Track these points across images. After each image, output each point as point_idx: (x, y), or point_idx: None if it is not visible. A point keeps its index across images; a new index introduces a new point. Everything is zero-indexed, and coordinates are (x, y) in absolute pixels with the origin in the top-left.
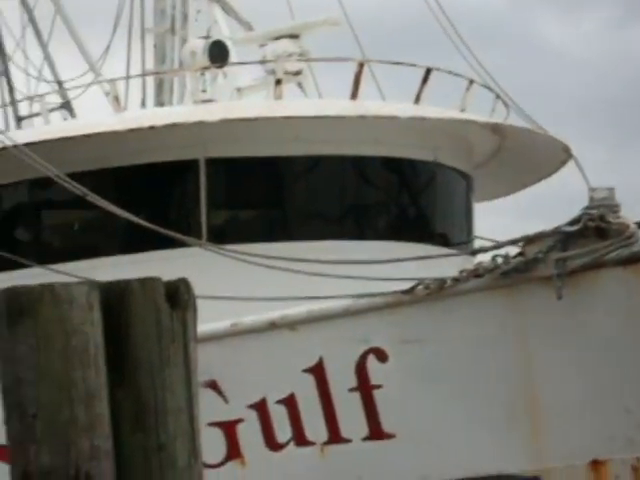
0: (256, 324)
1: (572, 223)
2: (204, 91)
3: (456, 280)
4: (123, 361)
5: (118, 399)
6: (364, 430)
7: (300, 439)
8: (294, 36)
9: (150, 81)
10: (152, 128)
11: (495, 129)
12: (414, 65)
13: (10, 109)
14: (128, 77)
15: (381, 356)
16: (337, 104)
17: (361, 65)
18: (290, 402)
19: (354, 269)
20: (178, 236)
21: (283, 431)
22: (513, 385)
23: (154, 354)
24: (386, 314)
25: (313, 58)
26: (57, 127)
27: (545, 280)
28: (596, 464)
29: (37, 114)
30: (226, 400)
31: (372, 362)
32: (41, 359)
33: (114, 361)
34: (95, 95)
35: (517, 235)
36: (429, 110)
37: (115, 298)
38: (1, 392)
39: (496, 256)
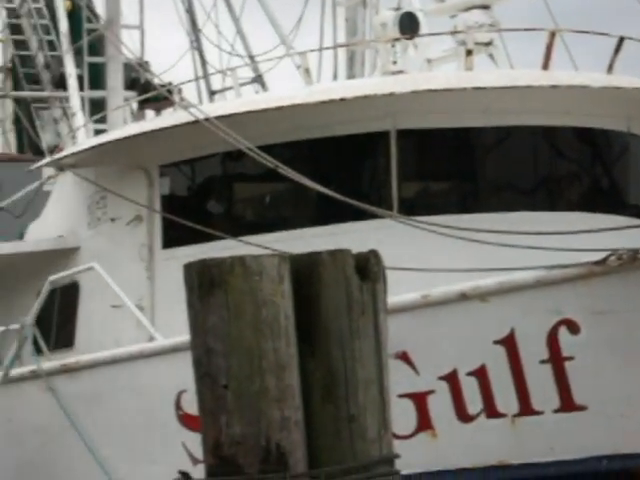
0: (447, 295)
1: None
2: (395, 62)
3: None
4: (313, 332)
5: (308, 370)
6: (555, 402)
7: (491, 410)
8: (485, 6)
9: (342, 54)
10: (343, 100)
11: None
12: (606, 34)
13: (203, 83)
14: (320, 50)
15: (573, 327)
16: (528, 74)
17: (553, 35)
18: (481, 373)
19: (545, 240)
20: (370, 208)
21: (474, 402)
22: None
23: (344, 325)
24: (578, 285)
25: (504, 28)
26: (249, 100)
27: None
28: None
29: (229, 88)
30: (417, 371)
31: (564, 333)
32: (232, 330)
33: (304, 332)
34: (287, 68)
35: None
36: (622, 80)
37: (305, 270)
38: (193, 363)
39: None
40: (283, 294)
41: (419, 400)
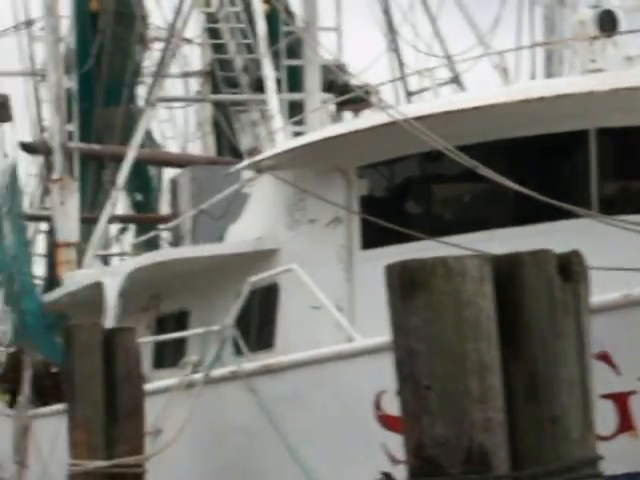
0: None
1: None
2: (594, 61)
3: None
4: (515, 333)
5: (511, 371)
6: None
7: None
8: None
9: (540, 53)
10: (541, 99)
11: None
12: None
13: (400, 84)
14: (518, 49)
15: None
16: None
17: None
18: None
19: None
20: (571, 207)
21: None
22: None
23: (546, 326)
24: None
25: None
26: (446, 101)
27: None
28: None
29: (427, 88)
30: (618, 372)
31: None
32: (434, 331)
33: (506, 333)
34: (484, 68)
35: None
36: None
37: (506, 270)
38: (394, 364)
39: None
40: (485, 295)
41: (620, 401)
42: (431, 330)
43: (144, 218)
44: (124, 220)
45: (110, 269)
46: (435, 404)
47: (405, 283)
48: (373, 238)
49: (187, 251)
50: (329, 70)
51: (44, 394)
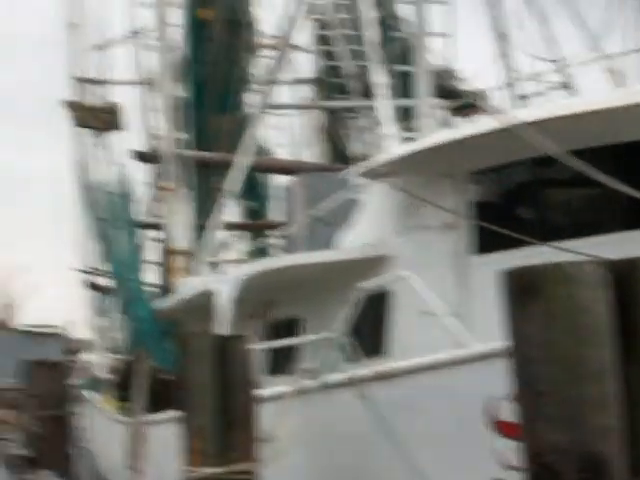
0: None
1: None
2: None
3: None
4: (633, 339)
5: (630, 377)
6: None
7: None
8: None
9: None
10: None
11: None
12: None
13: (511, 89)
14: (630, 52)
15: None
16: None
17: None
18: None
19: None
20: None
21: None
22: None
23: None
24: None
25: None
26: (558, 105)
27: None
28: None
29: (538, 93)
30: None
31: None
32: (550, 337)
33: (624, 339)
34: (596, 72)
35: None
36: None
37: (623, 275)
38: (511, 370)
39: None
40: (601, 300)
41: None
42: (547, 336)
43: (255, 225)
44: (236, 227)
45: (222, 276)
46: (551, 410)
47: (521, 289)
48: (485, 244)
49: (299, 258)
50: (440, 76)
51: (156, 401)
